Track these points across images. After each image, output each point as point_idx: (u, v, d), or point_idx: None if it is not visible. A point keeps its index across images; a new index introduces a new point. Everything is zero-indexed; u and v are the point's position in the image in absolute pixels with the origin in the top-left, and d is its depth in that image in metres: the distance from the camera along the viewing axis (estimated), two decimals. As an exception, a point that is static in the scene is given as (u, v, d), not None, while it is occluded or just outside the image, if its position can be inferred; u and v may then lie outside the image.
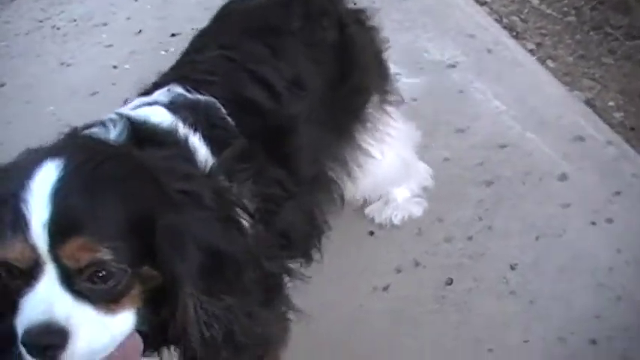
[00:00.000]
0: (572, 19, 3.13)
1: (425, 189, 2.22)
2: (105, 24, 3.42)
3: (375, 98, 1.87)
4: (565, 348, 1.81)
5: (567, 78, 2.77)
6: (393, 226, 2.17)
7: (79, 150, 1.12)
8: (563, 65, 2.87)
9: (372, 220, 2.21)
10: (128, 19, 3.42)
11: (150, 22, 3.34)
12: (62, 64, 3.19)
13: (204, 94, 1.45)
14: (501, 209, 2.20)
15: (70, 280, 0.99)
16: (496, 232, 2.14)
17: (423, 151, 2.26)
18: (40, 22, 3.53)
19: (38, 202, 0.99)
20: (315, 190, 1.65)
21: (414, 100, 2.47)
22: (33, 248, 0.98)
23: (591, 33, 3.03)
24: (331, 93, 1.69)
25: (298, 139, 1.55)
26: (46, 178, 1.01)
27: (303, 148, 1.56)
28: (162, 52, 3.09)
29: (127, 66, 3.07)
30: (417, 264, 2.08)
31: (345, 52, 1.74)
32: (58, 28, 3.45)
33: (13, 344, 1.04)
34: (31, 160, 1.07)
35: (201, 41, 1.71)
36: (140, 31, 3.29)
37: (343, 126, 1.77)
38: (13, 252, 0.99)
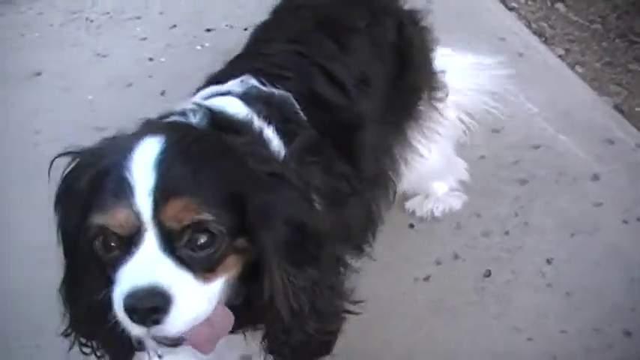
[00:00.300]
0: (598, 26, 3.26)
1: (462, 183, 2.33)
2: (138, 17, 3.52)
3: (425, 95, 1.97)
4: (601, 338, 1.93)
5: (595, 83, 2.90)
6: (433, 218, 2.28)
7: (175, 129, 1.22)
8: (591, 71, 2.99)
9: (413, 213, 2.32)
10: (161, 13, 3.52)
11: (184, 17, 3.43)
12: (97, 54, 3.28)
13: (278, 88, 1.52)
14: (536, 206, 2.31)
15: (171, 246, 1.06)
16: (532, 227, 2.25)
17: (460, 149, 2.37)
18: (74, 13, 3.63)
19: (142, 171, 1.06)
20: (376, 188, 1.75)
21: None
22: (137, 214, 1.04)
23: (617, 40, 3.16)
24: (389, 91, 1.79)
25: (364, 138, 1.63)
26: (148, 150, 1.09)
27: (368, 147, 1.65)
28: (198, 47, 3.20)
29: (162, 59, 3.17)
30: (456, 256, 2.19)
31: (403, 52, 1.84)
32: (92, 21, 3.55)
33: (106, 318, 1.14)
34: (130, 137, 1.17)
35: (268, 34, 1.79)
36: (174, 25, 3.39)
37: (398, 123, 1.87)
38: (116, 218, 1.05)
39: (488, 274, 2.13)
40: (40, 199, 2.42)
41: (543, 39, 3.15)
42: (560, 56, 3.03)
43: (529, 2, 3.45)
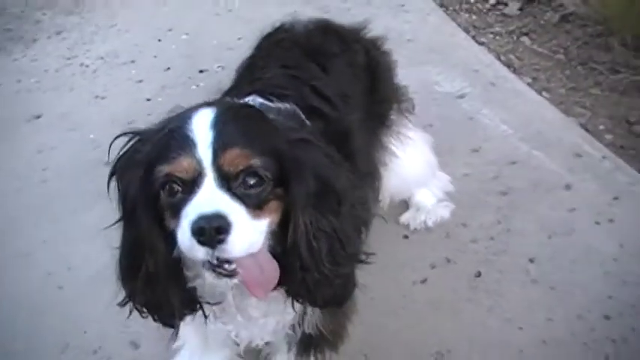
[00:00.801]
0: (561, 56, 3.66)
1: (448, 194, 2.62)
2: (133, 61, 3.82)
3: (395, 106, 2.31)
4: (584, 323, 2.20)
5: (562, 106, 3.26)
6: (425, 229, 2.56)
7: (223, 103, 1.56)
8: (557, 96, 3.36)
9: (407, 226, 2.60)
10: (155, 57, 3.83)
11: (177, 60, 3.74)
12: (96, 97, 3.56)
13: (283, 103, 1.82)
14: (517, 214, 2.61)
15: (227, 184, 1.32)
16: (514, 233, 2.54)
17: (444, 168, 2.68)
18: (68, 59, 3.92)
19: (202, 129, 1.34)
20: (369, 183, 2.04)
21: (431, 125, 2.92)
22: (199, 161, 1.31)
23: (579, 68, 3.56)
24: (365, 104, 2.11)
25: (355, 142, 1.94)
26: (204, 116, 1.37)
27: (359, 149, 1.95)
28: (193, 87, 3.50)
29: (159, 99, 3.45)
30: (448, 260, 2.46)
31: (372, 71, 2.18)
32: (87, 66, 3.84)
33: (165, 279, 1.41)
34: (186, 110, 1.45)
35: (261, 63, 2.08)
36: (169, 67, 3.69)
37: (374, 130, 2.19)
38: (181, 165, 1.31)
39: (478, 274, 2.40)
40: (50, 232, 2.68)
41: (512, 69, 3.53)
42: (528, 84, 3.40)
43: (497, 37, 3.85)
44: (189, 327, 2.06)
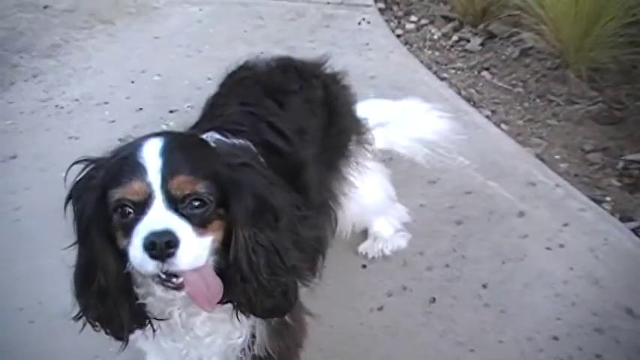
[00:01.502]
0: (520, 89, 3.83)
1: (405, 225, 2.74)
2: (106, 102, 3.95)
3: (354, 137, 2.43)
4: (533, 344, 2.30)
5: (519, 137, 3.41)
6: (383, 258, 2.68)
7: (169, 133, 1.66)
8: (515, 127, 3.52)
9: (365, 256, 2.71)
10: (128, 98, 3.97)
11: (149, 101, 3.88)
12: (70, 137, 3.67)
13: (238, 139, 1.94)
14: (471, 242, 2.73)
15: (175, 206, 1.46)
16: (468, 259, 2.66)
17: (401, 200, 2.80)
18: (44, 101, 4.04)
19: (152, 156, 1.48)
20: (322, 214, 2.16)
21: (391, 159, 3.05)
22: (148, 185, 1.45)
23: (537, 100, 3.73)
24: (322, 137, 2.24)
25: (308, 175, 2.07)
26: (153, 144, 1.51)
27: (312, 182, 2.08)
28: (164, 126, 3.62)
29: (130, 139, 3.55)
30: (404, 288, 2.57)
31: (330, 105, 2.31)
32: (62, 107, 3.96)
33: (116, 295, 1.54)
34: (135, 140, 1.59)
35: (222, 100, 2.22)
36: (141, 108, 3.82)
37: (332, 162, 2.32)
38: (133, 189, 1.45)
39: (433, 300, 2.51)
40: (22, 269, 2.75)
41: (472, 103, 3.69)
42: (487, 116, 3.56)
43: (458, 72, 4.03)
44: (152, 356, 2.17)
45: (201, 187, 1.48)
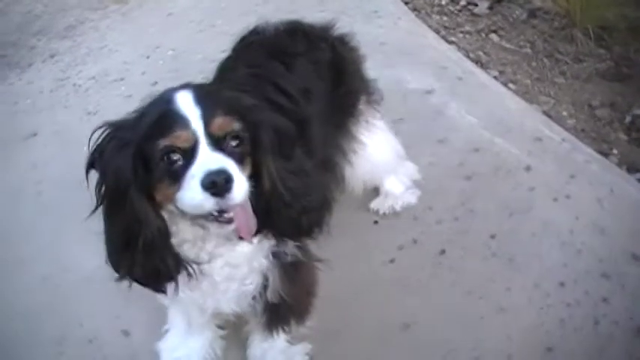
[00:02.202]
0: (528, 50, 3.87)
1: (415, 182, 2.81)
2: (122, 79, 4.05)
3: (363, 98, 2.49)
4: (540, 291, 2.37)
5: (527, 96, 3.46)
6: (394, 214, 2.75)
7: (192, 85, 1.74)
8: (523, 86, 3.56)
9: (376, 212, 2.78)
10: (143, 73, 4.06)
11: (163, 75, 3.96)
12: (89, 113, 3.78)
13: None
14: (479, 196, 2.80)
15: (219, 147, 1.58)
16: (477, 213, 2.72)
17: (411, 159, 2.86)
18: (61, 80, 4.16)
19: (189, 105, 1.59)
20: (325, 170, 2.24)
21: (401, 119, 3.12)
22: (193, 132, 1.57)
23: (545, 60, 3.76)
24: (331, 97, 2.31)
25: (312, 131, 2.14)
26: (185, 96, 1.62)
27: (316, 137, 2.15)
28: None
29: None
30: (415, 241, 2.65)
31: (337, 65, 2.37)
32: (79, 85, 4.07)
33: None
34: (160, 95, 1.70)
35: (232, 64, 2.31)
36: (156, 82, 3.89)
37: (341, 121, 2.39)
38: (180, 138, 1.56)
39: (443, 252, 2.58)
40: (46, 239, 2.87)
41: (480, 65, 3.73)
42: (494, 77, 3.60)
43: (466, 36, 4.07)
44: (174, 311, 2.29)
45: (236, 126, 1.63)
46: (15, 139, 3.66)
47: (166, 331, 2.35)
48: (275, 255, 1.90)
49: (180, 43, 4.33)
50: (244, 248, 1.80)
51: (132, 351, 2.40)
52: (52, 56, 4.46)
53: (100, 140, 1.70)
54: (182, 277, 1.80)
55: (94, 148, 1.72)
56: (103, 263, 2.74)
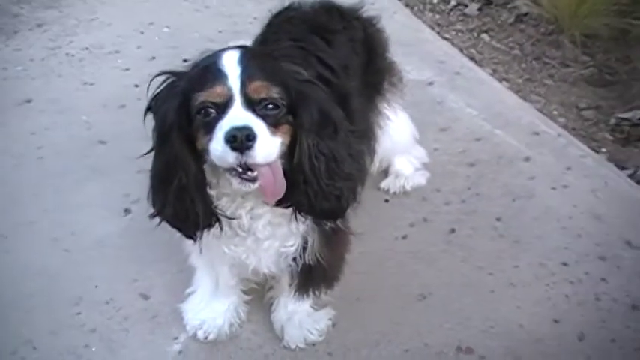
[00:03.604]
0: (517, 52, 4.13)
1: (424, 165, 3.00)
2: (117, 52, 4.09)
3: (387, 77, 2.68)
4: (546, 269, 2.59)
5: (520, 94, 3.71)
6: (404, 193, 2.94)
7: (244, 47, 1.86)
8: (515, 85, 3.82)
9: (387, 191, 2.97)
10: (139, 47, 4.11)
11: (161, 51, 4.03)
12: (85, 83, 3.81)
13: None
14: (484, 181, 3.02)
15: (252, 107, 1.67)
16: (482, 197, 2.94)
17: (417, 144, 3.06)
18: (52, 49, 4.16)
19: (231, 64, 1.69)
20: (365, 142, 2.39)
21: (404, 108, 3.30)
22: (229, 89, 1.66)
23: (533, 62, 4.03)
24: (362, 73, 2.47)
25: (354, 104, 2.28)
26: (231, 55, 1.72)
27: (356, 111, 2.30)
28: (181, 74, 3.78)
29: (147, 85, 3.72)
30: (425, 220, 2.84)
31: (369, 45, 2.55)
32: (73, 55, 4.09)
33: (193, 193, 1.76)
34: (214, 53, 1.79)
35: (274, 37, 2.40)
36: (154, 57, 3.98)
37: (370, 97, 2.56)
38: (216, 92, 1.66)
39: (452, 231, 2.78)
40: (50, 203, 2.92)
41: (474, 61, 3.97)
42: (489, 74, 3.84)
43: (459, 34, 4.31)
44: (201, 272, 2.39)
45: (274, 92, 1.70)
46: (8, 105, 3.66)
47: (189, 293, 2.45)
48: (315, 221, 2.01)
49: (175, 21, 4.41)
50: (285, 210, 1.90)
51: (152, 312, 2.48)
52: (39, 25, 4.45)
53: (157, 89, 1.82)
54: (229, 231, 1.93)
55: (152, 95, 1.83)
56: (111, 229, 2.86)
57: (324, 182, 1.80)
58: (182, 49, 4.01)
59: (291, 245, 2.04)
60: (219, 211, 1.87)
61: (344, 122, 1.89)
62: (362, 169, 2.34)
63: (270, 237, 1.99)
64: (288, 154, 1.79)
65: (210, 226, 1.88)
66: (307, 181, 1.79)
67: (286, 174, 1.77)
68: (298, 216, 1.89)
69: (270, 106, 1.70)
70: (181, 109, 1.72)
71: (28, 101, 3.70)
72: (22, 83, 3.86)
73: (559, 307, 2.46)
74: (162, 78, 1.83)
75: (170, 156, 1.77)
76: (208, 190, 1.84)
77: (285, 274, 2.22)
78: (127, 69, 3.91)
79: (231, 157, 1.64)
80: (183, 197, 1.80)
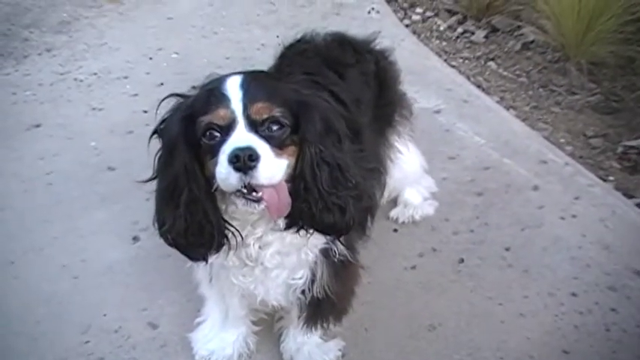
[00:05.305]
0: (524, 79, 4.18)
1: (433, 194, 3.04)
2: (126, 77, 4.15)
3: (398, 110, 2.73)
4: (555, 299, 2.62)
5: (527, 122, 3.74)
6: (413, 223, 2.97)
7: (246, 71, 1.89)
8: (522, 113, 3.86)
9: (396, 220, 3.00)
10: (147, 73, 4.17)
11: (169, 77, 4.09)
12: (93, 108, 3.86)
13: None
14: (492, 211, 3.05)
15: (255, 129, 1.71)
16: (491, 226, 2.97)
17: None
18: (61, 74, 4.22)
19: (234, 88, 1.74)
20: (376, 177, 2.43)
21: (412, 137, 3.35)
22: (232, 112, 1.70)
23: (540, 90, 4.07)
24: (373, 107, 2.52)
25: (364, 139, 2.33)
26: (234, 79, 1.77)
27: (367, 147, 2.34)
28: (189, 100, 3.83)
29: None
30: (434, 250, 2.86)
31: (380, 78, 2.60)
32: (81, 80, 4.15)
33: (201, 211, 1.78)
34: (217, 78, 1.84)
35: (288, 69, 2.46)
36: (162, 83, 4.03)
37: (381, 130, 2.60)
38: (219, 115, 1.71)
39: (461, 260, 2.80)
40: (60, 229, 2.95)
41: (481, 89, 4.02)
42: (496, 102, 3.88)
43: (466, 61, 4.36)
44: (211, 302, 2.41)
45: (277, 112, 1.74)
46: (17, 129, 3.71)
47: (199, 323, 2.48)
48: (324, 252, 2.05)
49: (183, 46, 4.47)
50: (294, 239, 1.93)
51: (161, 342, 2.51)
52: (48, 50, 4.51)
53: (165, 113, 1.87)
54: (237, 261, 1.97)
55: (160, 120, 1.88)
56: (120, 256, 2.88)
57: (326, 191, 1.82)
58: (190, 74, 4.07)
59: (300, 278, 2.07)
60: (229, 227, 1.87)
61: (347, 132, 1.92)
62: (374, 203, 2.37)
63: (279, 266, 2.01)
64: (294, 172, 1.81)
65: (221, 245, 1.88)
66: (308, 188, 1.81)
67: (290, 189, 1.80)
68: (306, 240, 1.92)
69: (275, 127, 1.74)
70: (188, 130, 1.76)
71: (37, 126, 3.75)
72: (30, 108, 3.91)
73: (569, 338, 2.47)
74: (169, 102, 1.88)
75: (179, 169, 1.80)
76: (219, 204, 1.86)
77: (294, 306, 2.24)
78: (136, 94, 3.96)
79: (234, 179, 1.67)
80: (195, 209, 1.81)
